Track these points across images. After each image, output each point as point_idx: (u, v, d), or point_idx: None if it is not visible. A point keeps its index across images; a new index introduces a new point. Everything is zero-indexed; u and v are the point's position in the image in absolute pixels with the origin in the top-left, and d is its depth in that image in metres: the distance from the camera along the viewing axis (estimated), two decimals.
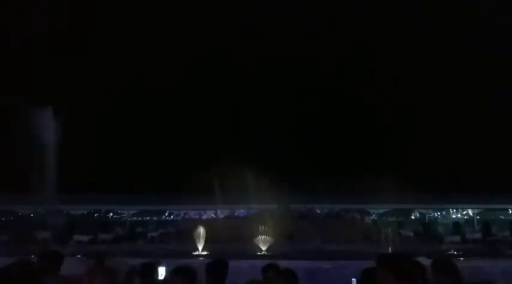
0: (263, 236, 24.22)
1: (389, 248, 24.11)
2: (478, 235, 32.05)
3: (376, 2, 54.05)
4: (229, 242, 25.53)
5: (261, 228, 24.95)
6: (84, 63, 48.13)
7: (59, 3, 48.11)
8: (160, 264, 7.25)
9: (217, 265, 5.04)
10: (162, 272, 7.47)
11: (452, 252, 24.00)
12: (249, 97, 47.54)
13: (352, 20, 52.55)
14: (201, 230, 24.49)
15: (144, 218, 41.11)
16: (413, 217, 39.97)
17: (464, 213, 39.89)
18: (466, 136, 42.12)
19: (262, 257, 21.22)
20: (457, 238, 31.76)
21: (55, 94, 41.63)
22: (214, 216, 37.37)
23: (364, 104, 49.62)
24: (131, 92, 49.45)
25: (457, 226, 36.50)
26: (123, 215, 41.56)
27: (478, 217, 39.08)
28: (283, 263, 4.90)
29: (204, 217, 38.22)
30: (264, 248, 23.44)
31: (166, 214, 41.71)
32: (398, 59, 49.17)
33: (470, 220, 38.92)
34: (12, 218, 37.75)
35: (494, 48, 47.55)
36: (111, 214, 41.76)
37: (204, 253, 23.32)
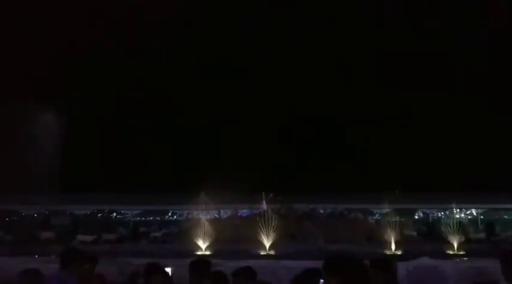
0: (266, 236, 24.22)
1: (390, 249, 24.11)
2: (482, 235, 31.98)
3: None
4: (233, 242, 25.52)
5: (264, 228, 24.95)
6: (84, 63, 48.19)
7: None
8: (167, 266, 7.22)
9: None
10: (167, 270, 7.45)
11: (456, 252, 23.97)
12: (249, 96, 47.56)
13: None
14: (204, 230, 24.51)
15: (147, 219, 41.12)
16: (416, 217, 39.87)
17: (468, 212, 39.75)
18: (470, 135, 42.04)
19: (266, 257, 21.22)
20: (461, 238, 31.66)
21: (57, 95, 41.71)
22: (217, 216, 37.35)
23: (367, 103, 49.53)
24: (132, 93, 49.51)
25: (460, 226, 36.38)
26: (126, 215, 41.57)
27: (482, 217, 38.96)
28: (286, 263, 4.89)
29: (207, 217, 38.21)
30: (267, 248, 23.44)
31: (170, 214, 41.71)
32: (403, 56, 49.05)
33: (474, 220, 38.79)
34: (15, 218, 37.83)
35: (494, 47, 47.47)
36: (114, 214, 41.79)
37: (207, 252, 23.32)
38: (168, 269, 7.74)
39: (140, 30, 50.84)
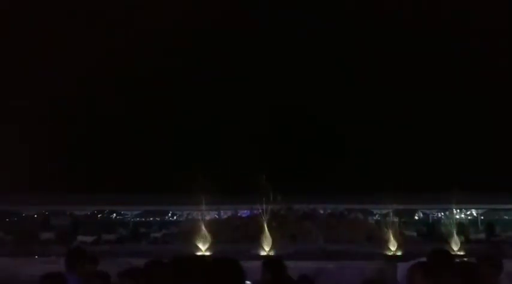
0: (266, 237, 24.21)
1: (390, 249, 24.10)
2: (482, 236, 31.99)
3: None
4: (233, 242, 25.54)
5: (264, 229, 24.91)
6: (86, 63, 48.20)
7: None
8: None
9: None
10: None
11: (456, 252, 23.96)
12: (248, 96, 47.58)
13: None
14: (204, 231, 24.53)
15: (148, 219, 41.10)
16: (416, 218, 39.85)
17: (468, 213, 39.74)
18: (470, 135, 42.03)
19: (266, 257, 21.18)
20: (461, 238, 31.66)
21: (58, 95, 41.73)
22: (217, 216, 37.34)
23: (367, 103, 49.54)
24: (132, 93, 49.53)
25: (460, 226, 36.38)
26: (126, 216, 41.53)
27: (482, 218, 38.94)
28: (286, 264, 4.90)
29: (207, 217, 38.18)
30: (267, 248, 23.44)
31: (170, 214, 41.69)
32: (403, 55, 49.05)
33: (474, 221, 38.79)
34: (16, 219, 37.83)
35: (494, 46, 47.48)
36: (114, 214, 41.76)
37: (208, 253, 23.33)
38: None
39: (139, 30, 50.83)
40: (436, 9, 52.34)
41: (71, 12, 48.57)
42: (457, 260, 5.34)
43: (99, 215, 40.65)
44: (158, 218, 41.07)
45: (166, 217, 41.40)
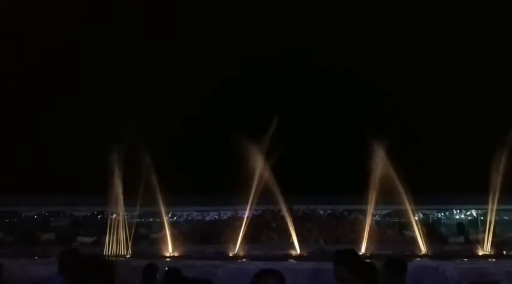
0: (266, 237, 24.25)
1: (391, 250, 24.13)
2: (482, 236, 31.95)
3: None
4: (232, 243, 25.57)
5: (264, 229, 24.97)
6: (83, 62, 48.16)
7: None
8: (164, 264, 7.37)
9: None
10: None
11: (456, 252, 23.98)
12: (248, 97, 47.50)
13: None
14: (203, 232, 24.67)
15: (147, 220, 41.00)
16: (416, 218, 39.78)
17: (468, 213, 39.71)
18: (469, 135, 41.99)
19: (266, 258, 21.18)
20: (461, 238, 31.73)
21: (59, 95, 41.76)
22: (216, 217, 37.33)
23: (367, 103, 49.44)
24: (133, 94, 49.49)
25: (460, 226, 36.43)
26: (126, 217, 41.36)
27: (482, 218, 38.87)
28: (287, 264, 4.92)
29: (207, 218, 38.17)
30: (267, 248, 23.48)
31: (170, 215, 41.57)
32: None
33: (473, 221, 38.74)
34: (16, 219, 37.81)
35: (495, 46, 47.43)
36: (114, 215, 41.63)
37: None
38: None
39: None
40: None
41: None
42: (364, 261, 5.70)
43: (99, 216, 40.57)
44: (158, 220, 40.96)
45: (166, 219, 41.27)
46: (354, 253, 5.06)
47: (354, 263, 4.67)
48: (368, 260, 5.51)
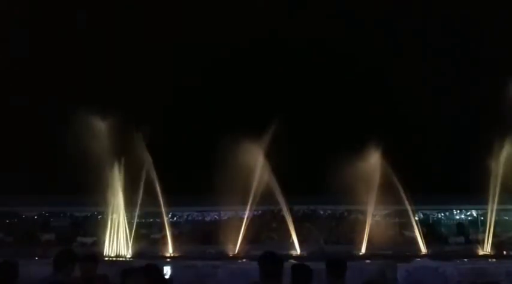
0: (266, 238, 24.27)
1: (391, 250, 24.14)
2: (482, 236, 31.96)
3: None
4: (232, 243, 25.58)
5: (264, 230, 25.00)
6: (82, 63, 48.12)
7: None
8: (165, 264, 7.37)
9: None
10: (167, 271, 7.54)
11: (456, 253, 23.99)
12: (247, 99, 47.48)
13: None
14: (203, 232, 24.70)
15: (148, 220, 41.02)
16: (416, 218, 39.78)
17: (468, 213, 39.74)
18: (469, 135, 41.97)
19: None
20: (461, 239, 31.74)
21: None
22: (217, 217, 37.36)
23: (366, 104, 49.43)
24: (133, 94, 49.45)
25: (461, 226, 36.44)
26: (126, 217, 41.37)
27: (482, 218, 38.88)
28: (287, 264, 4.96)
29: (207, 219, 38.21)
30: (267, 249, 23.39)
31: (170, 216, 41.58)
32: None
33: (474, 221, 38.76)
34: (16, 220, 37.83)
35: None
36: (114, 216, 41.64)
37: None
38: (168, 271, 7.80)
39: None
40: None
41: None
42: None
43: (99, 217, 40.57)
44: (158, 220, 40.98)
45: (166, 219, 41.28)
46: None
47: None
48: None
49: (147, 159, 28.24)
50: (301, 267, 5.42)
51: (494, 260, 22.64)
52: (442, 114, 46.41)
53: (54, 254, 5.34)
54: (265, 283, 4.63)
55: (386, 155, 28.09)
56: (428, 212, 39.41)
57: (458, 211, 39.80)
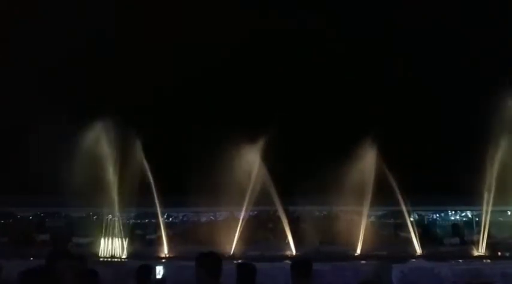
0: (262, 238, 24.28)
1: (386, 251, 24.20)
2: (477, 237, 32.08)
3: None
4: (228, 244, 25.58)
5: (260, 230, 25.00)
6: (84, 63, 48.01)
7: None
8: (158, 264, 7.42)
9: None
10: (160, 270, 7.55)
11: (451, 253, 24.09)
12: (247, 101, 47.48)
13: None
14: (200, 233, 24.72)
15: (143, 221, 40.97)
16: (412, 219, 39.88)
17: (463, 214, 39.88)
18: (465, 136, 42.08)
19: (263, 259, 21.20)
20: (456, 239, 31.85)
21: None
22: (212, 218, 37.35)
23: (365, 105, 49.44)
24: (131, 94, 49.34)
25: (456, 227, 36.56)
26: (122, 218, 41.30)
27: (477, 219, 39.01)
28: (282, 265, 4.99)
29: (203, 219, 38.20)
30: (263, 249, 23.48)
31: (165, 216, 41.53)
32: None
33: (469, 222, 38.90)
34: (11, 220, 37.71)
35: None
36: (110, 216, 41.55)
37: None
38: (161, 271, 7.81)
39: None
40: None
41: None
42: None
43: (94, 217, 40.49)
44: (154, 220, 40.94)
45: (162, 220, 41.26)
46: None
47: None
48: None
49: (143, 160, 28.19)
50: (245, 266, 5.55)
51: (489, 261, 22.75)
52: (442, 115, 46.51)
53: (47, 254, 5.34)
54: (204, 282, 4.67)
55: (382, 156, 28.16)
56: (423, 213, 39.54)
57: (453, 212, 39.94)
